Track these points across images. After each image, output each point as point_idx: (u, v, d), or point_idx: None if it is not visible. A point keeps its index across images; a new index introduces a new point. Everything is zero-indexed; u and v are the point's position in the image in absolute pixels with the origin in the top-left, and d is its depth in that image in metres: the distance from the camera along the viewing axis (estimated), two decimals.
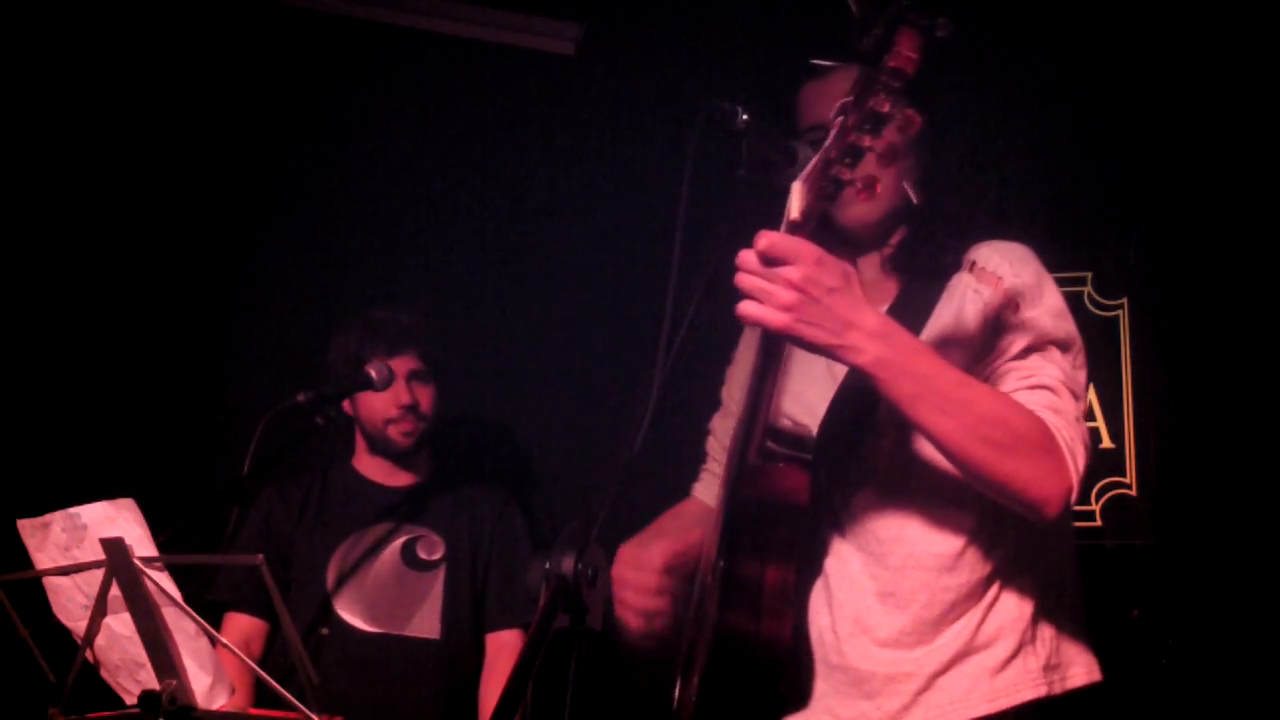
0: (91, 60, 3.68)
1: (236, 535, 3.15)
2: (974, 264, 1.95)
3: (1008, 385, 1.85)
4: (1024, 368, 1.86)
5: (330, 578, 3.12)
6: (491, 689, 3.13)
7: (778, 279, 1.61)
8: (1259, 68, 3.29)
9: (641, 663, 2.05)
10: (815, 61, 2.01)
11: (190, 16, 3.74)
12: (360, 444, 3.30)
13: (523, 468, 3.86)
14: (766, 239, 1.62)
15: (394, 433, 3.19)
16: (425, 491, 3.28)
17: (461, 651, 3.15)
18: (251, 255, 3.86)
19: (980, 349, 1.89)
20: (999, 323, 1.88)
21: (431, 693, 3.10)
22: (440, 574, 3.17)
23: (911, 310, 1.98)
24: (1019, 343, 1.87)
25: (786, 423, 2.05)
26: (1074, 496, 1.77)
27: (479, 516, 3.26)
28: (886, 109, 1.53)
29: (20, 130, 3.61)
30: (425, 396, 3.21)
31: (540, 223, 3.92)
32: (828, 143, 1.59)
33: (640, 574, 2.00)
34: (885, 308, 2.01)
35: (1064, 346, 1.89)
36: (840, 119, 1.58)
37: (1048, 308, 1.90)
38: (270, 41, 3.82)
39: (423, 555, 3.18)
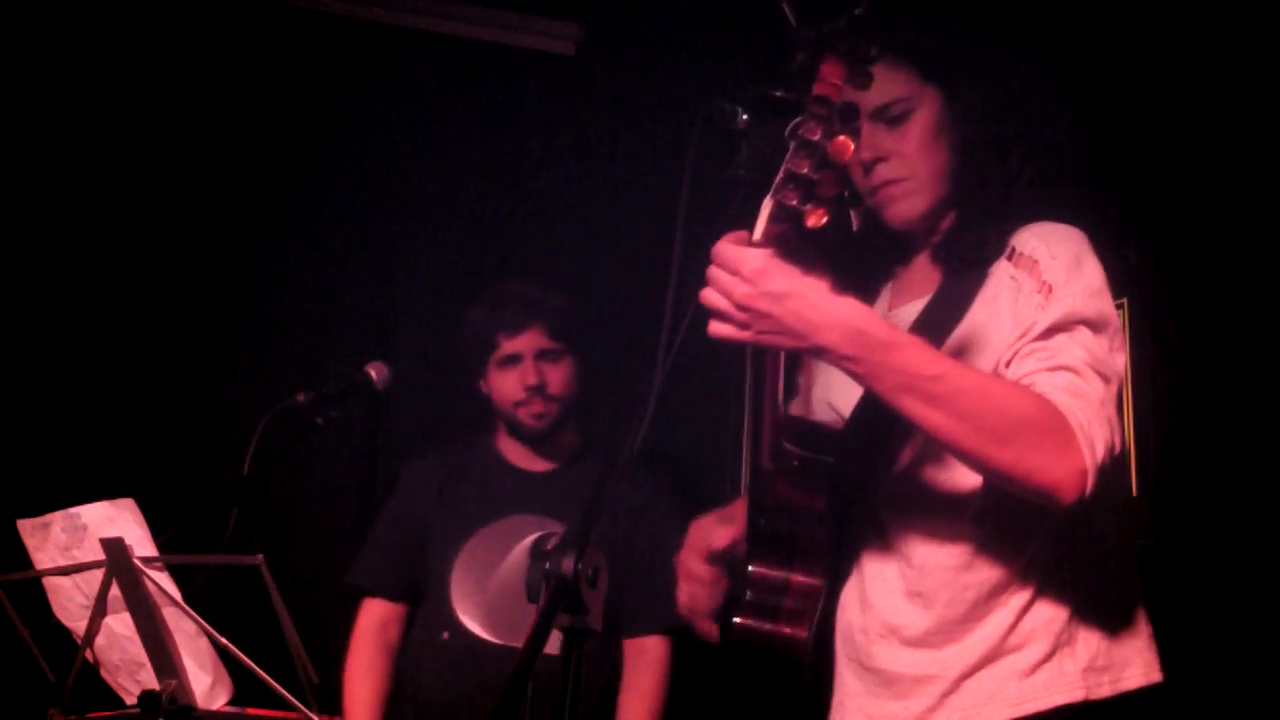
0: (93, 61, 3.68)
1: (380, 515, 3.12)
2: (1014, 250, 1.88)
3: (1028, 366, 1.77)
4: (1048, 348, 1.78)
5: (455, 576, 2.97)
6: (631, 700, 2.92)
7: (729, 293, 1.61)
8: (1259, 67, 3.29)
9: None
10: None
11: (192, 17, 3.74)
12: (500, 423, 3.12)
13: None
14: (715, 250, 1.62)
15: (523, 415, 3.00)
16: (566, 478, 3.06)
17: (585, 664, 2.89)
18: (252, 255, 3.85)
19: (1013, 336, 1.83)
20: (1031, 311, 1.81)
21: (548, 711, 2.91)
22: None
23: (949, 301, 1.92)
24: (1046, 320, 1.79)
25: (827, 414, 2.02)
26: (1090, 481, 1.67)
27: (621, 508, 2.98)
28: (817, 137, 1.53)
29: (22, 130, 3.61)
30: (556, 376, 3.00)
31: (540, 223, 3.93)
32: (784, 163, 1.59)
33: (700, 553, 1.99)
34: (926, 299, 1.97)
35: (1097, 326, 1.80)
36: (791, 144, 1.58)
37: (1084, 285, 1.82)
38: (271, 42, 3.82)
39: (544, 551, 2.99)
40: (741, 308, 1.60)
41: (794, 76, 1.52)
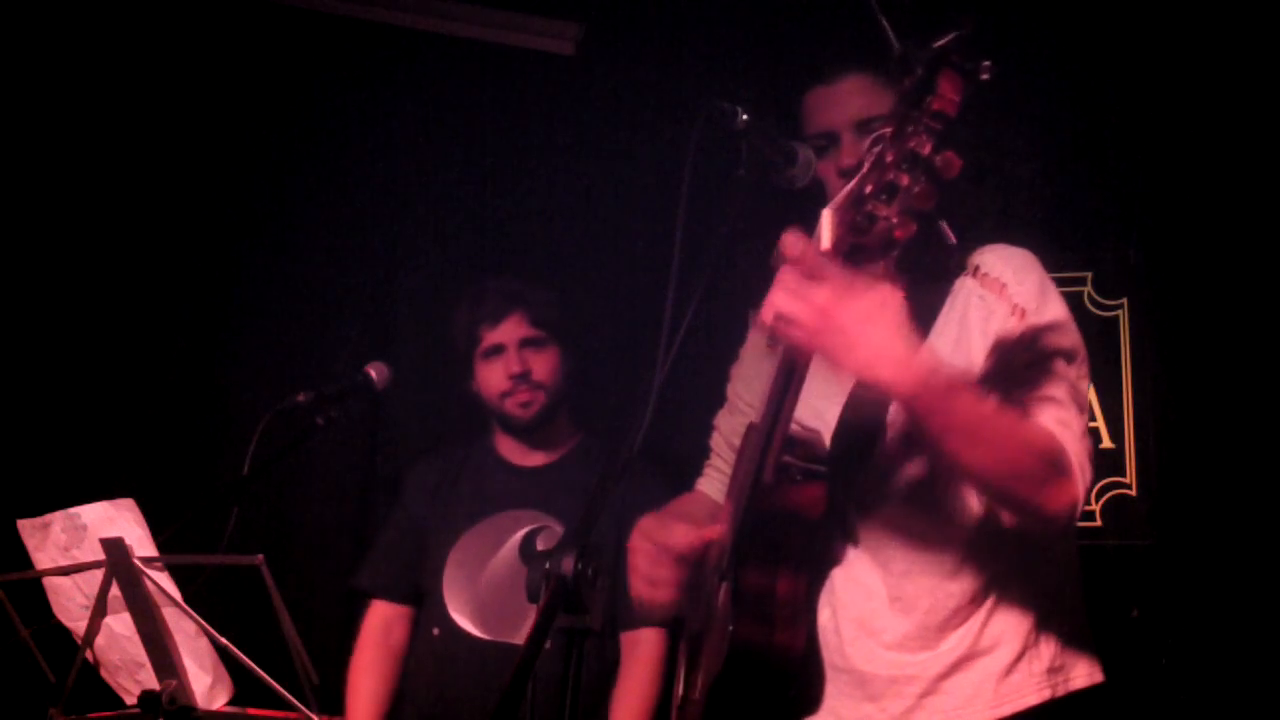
0: (92, 61, 3.68)
1: (385, 519, 3.16)
2: (978, 268, 1.95)
3: (1014, 395, 1.85)
4: (1030, 381, 1.86)
5: (447, 573, 2.98)
6: (626, 690, 2.89)
7: (808, 300, 1.57)
8: (1259, 68, 3.29)
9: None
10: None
11: (190, 16, 3.73)
12: (494, 421, 3.13)
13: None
14: (798, 246, 1.57)
15: (510, 406, 3.00)
16: (560, 472, 3.06)
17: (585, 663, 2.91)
18: (252, 255, 3.85)
19: (985, 357, 1.90)
20: (1004, 334, 1.89)
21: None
22: None
23: (916, 314, 1.95)
24: (1024, 356, 1.88)
25: (796, 429, 2.04)
26: (1078, 511, 1.79)
27: (618, 504, 2.84)
28: (927, 151, 1.51)
29: (21, 131, 3.61)
30: (540, 364, 3.00)
31: (540, 223, 3.92)
32: (863, 174, 1.56)
33: (656, 546, 1.99)
34: None
35: (1069, 357, 1.90)
36: (877, 151, 1.55)
37: (1052, 318, 1.90)
38: (270, 41, 3.82)
39: (542, 550, 2.89)
40: (824, 314, 1.57)
41: (908, 93, 1.51)
